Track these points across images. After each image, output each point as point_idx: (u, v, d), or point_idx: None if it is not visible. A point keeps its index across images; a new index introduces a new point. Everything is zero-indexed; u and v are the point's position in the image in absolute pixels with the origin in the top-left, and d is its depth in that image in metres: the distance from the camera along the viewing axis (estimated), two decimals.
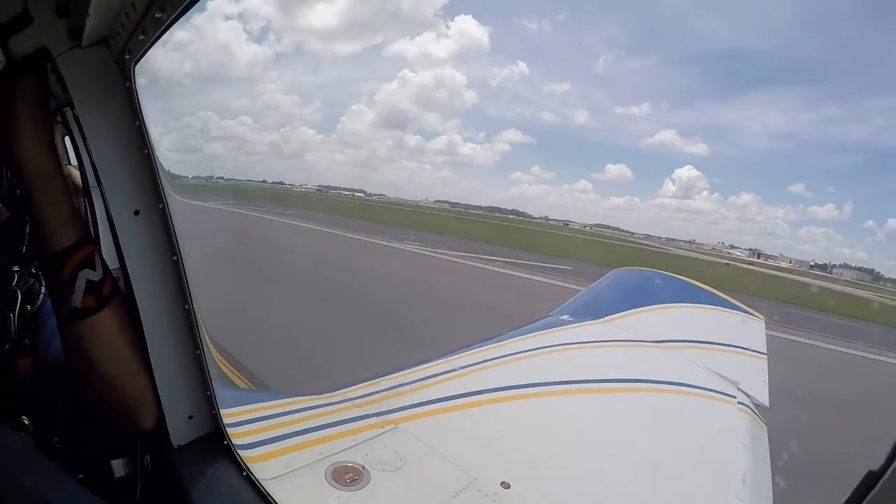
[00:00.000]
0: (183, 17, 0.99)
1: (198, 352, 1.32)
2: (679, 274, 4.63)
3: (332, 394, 1.97)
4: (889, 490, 0.79)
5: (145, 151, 1.17)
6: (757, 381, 2.98)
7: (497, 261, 23.81)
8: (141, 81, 1.14)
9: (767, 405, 2.78)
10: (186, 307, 1.29)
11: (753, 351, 3.44)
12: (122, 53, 1.10)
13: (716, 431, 2.40)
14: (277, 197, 77.12)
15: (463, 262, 22.48)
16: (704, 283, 4.29)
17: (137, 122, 1.15)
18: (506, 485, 1.58)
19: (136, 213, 1.21)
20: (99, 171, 1.17)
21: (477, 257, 24.17)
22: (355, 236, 26.84)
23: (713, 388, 2.71)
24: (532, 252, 31.39)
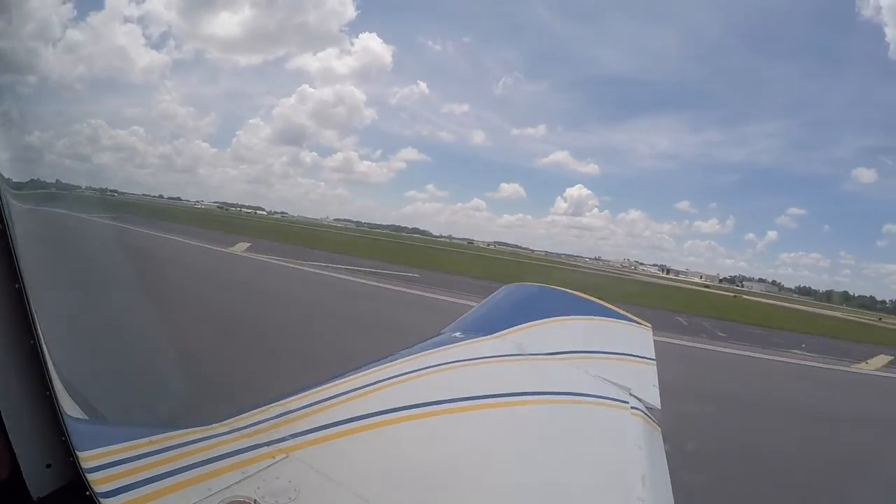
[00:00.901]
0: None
1: (47, 392, 1.18)
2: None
3: (218, 424, 1.83)
4: None
5: None
6: (647, 386, 3.11)
7: None
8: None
9: (659, 408, 2.88)
10: (32, 342, 1.14)
11: (642, 357, 3.61)
12: None
13: (612, 437, 2.45)
14: (194, 216, 69.44)
15: None
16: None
17: None
18: None
19: None
20: None
21: None
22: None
23: (606, 396, 2.79)
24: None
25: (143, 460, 1.53)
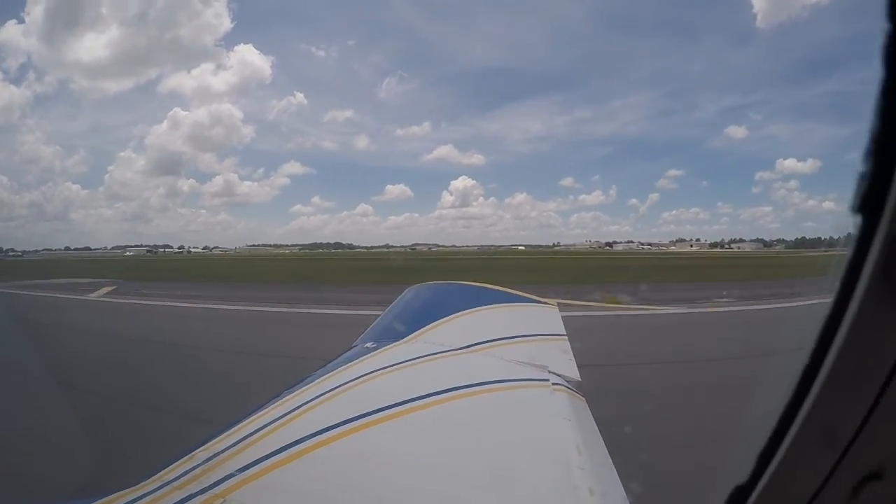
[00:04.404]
0: None
1: None
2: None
3: (145, 483, 1.77)
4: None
5: None
6: (564, 361, 3.24)
7: None
8: None
9: (580, 379, 2.99)
10: None
11: (554, 335, 3.76)
12: None
13: (540, 415, 2.50)
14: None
15: None
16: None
17: None
18: None
19: None
20: None
21: None
22: None
23: (527, 377, 2.87)
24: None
25: None
